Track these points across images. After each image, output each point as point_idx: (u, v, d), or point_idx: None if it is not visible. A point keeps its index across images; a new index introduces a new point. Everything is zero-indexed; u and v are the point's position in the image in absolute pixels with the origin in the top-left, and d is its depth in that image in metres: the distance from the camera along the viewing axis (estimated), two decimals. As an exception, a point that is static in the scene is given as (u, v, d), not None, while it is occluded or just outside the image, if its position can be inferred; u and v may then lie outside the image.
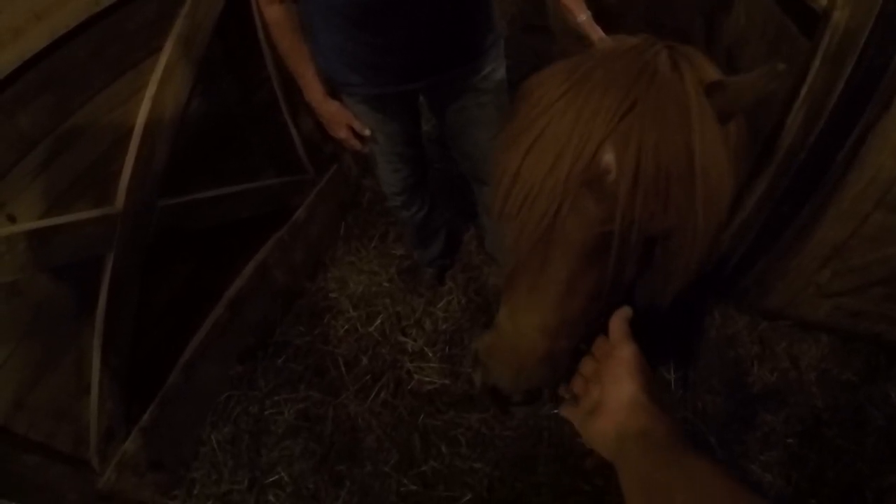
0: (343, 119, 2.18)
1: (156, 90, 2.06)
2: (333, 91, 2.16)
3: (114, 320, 2.15)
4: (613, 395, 0.92)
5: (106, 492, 2.28)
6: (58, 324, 2.00)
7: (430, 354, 2.89)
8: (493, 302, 3.03)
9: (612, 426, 0.90)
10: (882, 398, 2.58)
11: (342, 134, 2.22)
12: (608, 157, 0.92)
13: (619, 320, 0.99)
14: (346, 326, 3.04)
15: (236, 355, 2.91)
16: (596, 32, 1.84)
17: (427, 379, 2.81)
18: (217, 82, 2.43)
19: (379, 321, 3.03)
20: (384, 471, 2.56)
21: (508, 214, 1.02)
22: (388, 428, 2.68)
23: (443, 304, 3.07)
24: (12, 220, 1.72)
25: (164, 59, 2.07)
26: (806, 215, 2.29)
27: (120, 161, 2.04)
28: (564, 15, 1.92)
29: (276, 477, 2.58)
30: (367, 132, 2.20)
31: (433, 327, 3.00)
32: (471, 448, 2.59)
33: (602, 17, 1.73)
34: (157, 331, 2.43)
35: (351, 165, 3.41)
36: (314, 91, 2.14)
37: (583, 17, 1.85)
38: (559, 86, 0.99)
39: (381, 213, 3.41)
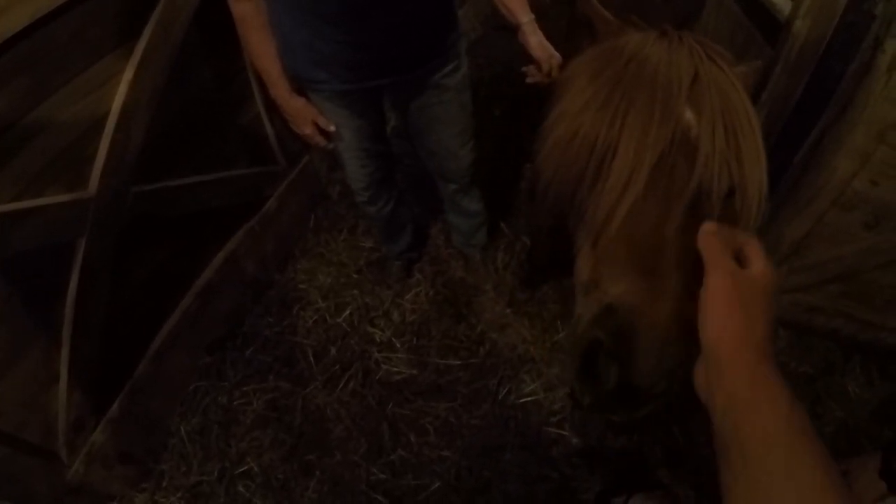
0: (308, 115, 2.18)
1: (133, 75, 2.04)
2: (299, 88, 2.17)
3: (84, 308, 2.13)
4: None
5: (75, 484, 2.26)
6: (27, 311, 1.98)
7: (398, 345, 2.92)
8: (459, 295, 3.09)
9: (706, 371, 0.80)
10: (839, 391, 2.67)
11: (307, 130, 2.22)
12: (689, 115, 1.00)
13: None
14: (315, 317, 3.05)
15: (205, 346, 2.90)
16: (537, 36, 1.92)
17: (395, 369, 2.84)
18: (194, 70, 2.42)
19: (347, 312, 3.05)
20: (353, 460, 2.58)
21: (610, 189, 1.02)
22: (357, 417, 2.71)
23: (410, 296, 3.10)
24: (-17, 202, 1.71)
25: (142, 44, 2.05)
26: (764, 216, 2.34)
27: (94, 145, 2.03)
28: (506, 18, 1.98)
29: (246, 467, 2.59)
30: (332, 128, 2.20)
31: (401, 318, 3.03)
32: (439, 437, 2.62)
33: (573, 24, 1.76)
34: (127, 319, 2.42)
35: (321, 158, 3.41)
36: (280, 88, 2.15)
37: (525, 19, 1.92)
38: (612, 67, 1.06)
39: (351, 206, 3.41)
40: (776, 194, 2.29)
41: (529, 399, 2.71)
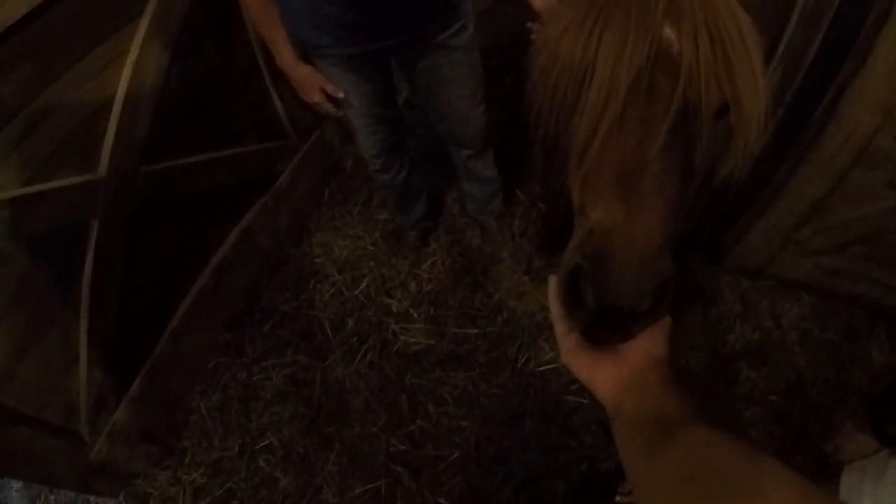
0: (316, 83, 2.15)
1: (137, 56, 2.03)
2: (306, 55, 2.13)
3: (100, 288, 2.15)
4: (642, 347, 0.93)
5: (97, 463, 2.30)
6: (44, 294, 2.00)
7: (415, 315, 2.92)
8: (476, 263, 3.07)
9: (627, 373, 0.90)
10: (864, 358, 2.63)
11: (316, 98, 2.19)
12: (668, 32, 0.97)
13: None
14: (332, 290, 3.05)
15: (223, 322, 2.92)
16: None
17: (413, 339, 2.84)
18: (198, 47, 2.39)
19: (364, 284, 3.04)
20: (373, 431, 2.60)
21: (589, 110, 1.00)
22: (376, 389, 2.71)
23: (427, 266, 3.09)
24: (-5, 188, 1.71)
25: (144, 24, 2.03)
26: (785, 173, 2.30)
27: (102, 127, 2.02)
28: None
29: (267, 442, 2.62)
30: (340, 94, 2.17)
31: (418, 289, 3.02)
32: (457, 406, 2.63)
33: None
34: (144, 299, 2.43)
35: (333, 131, 3.39)
36: (286, 56, 2.12)
37: None
38: None
39: (365, 178, 3.39)
40: (795, 151, 2.23)
41: (548, 367, 2.69)
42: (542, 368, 2.69)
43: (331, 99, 2.20)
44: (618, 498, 2.34)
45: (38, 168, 1.84)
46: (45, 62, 1.79)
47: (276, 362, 2.84)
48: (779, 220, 2.45)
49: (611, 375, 0.91)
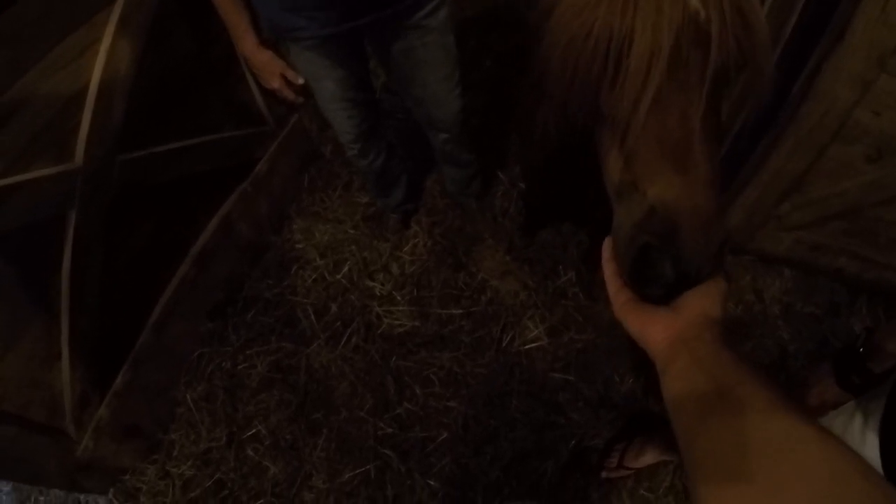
0: (276, 69, 2.16)
1: (110, 43, 1.98)
2: (274, 41, 2.13)
3: (80, 281, 2.12)
4: (699, 304, 0.93)
5: (85, 460, 2.28)
6: (23, 289, 1.97)
7: (399, 298, 2.91)
8: (458, 244, 3.06)
9: (682, 327, 0.90)
10: (845, 331, 2.66)
11: (275, 84, 2.20)
12: (694, 2, 1.00)
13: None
14: (314, 276, 3.04)
15: (206, 312, 2.90)
16: None
17: (397, 322, 2.84)
18: (173, 34, 2.35)
19: (346, 268, 3.03)
20: (360, 416, 2.60)
21: (632, 76, 1.01)
22: (361, 373, 2.71)
23: (408, 248, 3.08)
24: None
25: (117, 11, 1.99)
26: (764, 148, 2.31)
27: (77, 117, 1.98)
28: None
29: (254, 431, 2.61)
30: (300, 81, 2.17)
31: (400, 271, 3.01)
32: (444, 387, 2.63)
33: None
34: (125, 291, 2.40)
35: (312, 117, 3.35)
36: (247, 41, 2.11)
37: None
38: None
39: (344, 163, 3.36)
40: (774, 127, 2.24)
41: (533, 345, 2.70)
42: (527, 347, 2.70)
43: (291, 86, 2.20)
44: (604, 473, 2.38)
45: (13, 160, 1.80)
46: (17, 53, 1.75)
47: (261, 350, 2.83)
48: (759, 196, 2.46)
49: (665, 328, 0.91)
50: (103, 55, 1.99)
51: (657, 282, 1.00)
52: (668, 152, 1.01)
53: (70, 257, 2.06)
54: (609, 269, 1.06)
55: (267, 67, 2.16)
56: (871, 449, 1.24)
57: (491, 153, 3.19)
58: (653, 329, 0.93)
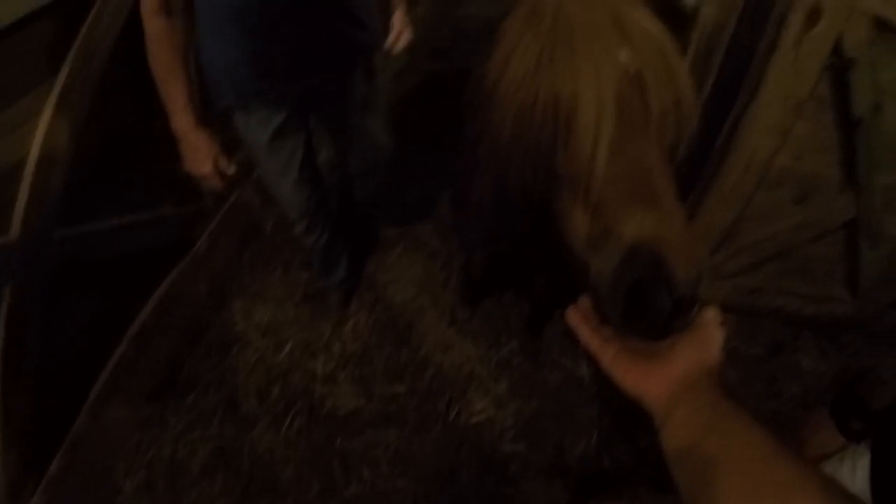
0: (210, 152, 2.03)
1: (51, 115, 1.97)
2: (210, 122, 2.05)
3: (14, 360, 2.04)
4: (694, 354, 0.93)
5: (20, 552, 2.16)
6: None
7: (342, 377, 2.87)
8: (399, 319, 3.05)
9: (680, 378, 0.90)
10: (793, 368, 2.71)
11: (205, 169, 2.06)
12: (624, 54, 1.10)
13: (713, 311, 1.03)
14: (255, 357, 2.97)
15: (145, 394, 2.80)
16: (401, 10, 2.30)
17: (341, 402, 2.78)
18: (116, 106, 2.33)
19: (288, 348, 2.98)
20: (306, 501, 2.51)
21: (584, 132, 1.08)
22: (307, 456, 2.63)
23: (350, 326, 3.05)
24: None
25: (59, 84, 1.98)
26: (691, 204, 2.37)
27: (15, 189, 1.94)
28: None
29: (197, 520, 2.50)
30: (231, 170, 2.09)
31: (342, 350, 2.97)
32: (391, 467, 2.57)
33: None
34: (62, 371, 2.32)
35: (254, 193, 3.35)
36: (185, 119, 1.99)
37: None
38: (542, 25, 1.16)
39: (286, 240, 3.35)
40: (700, 183, 2.31)
41: (481, 417, 2.67)
42: (475, 420, 2.66)
43: (219, 175, 2.09)
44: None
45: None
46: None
47: (202, 434, 2.73)
48: (692, 248, 2.51)
49: (662, 380, 0.91)
50: (43, 127, 1.97)
51: (654, 314, 1.02)
52: (635, 192, 1.06)
53: (3, 335, 1.99)
54: (584, 331, 1.06)
55: (202, 149, 2.03)
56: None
57: (428, 222, 3.24)
58: (650, 381, 0.93)
